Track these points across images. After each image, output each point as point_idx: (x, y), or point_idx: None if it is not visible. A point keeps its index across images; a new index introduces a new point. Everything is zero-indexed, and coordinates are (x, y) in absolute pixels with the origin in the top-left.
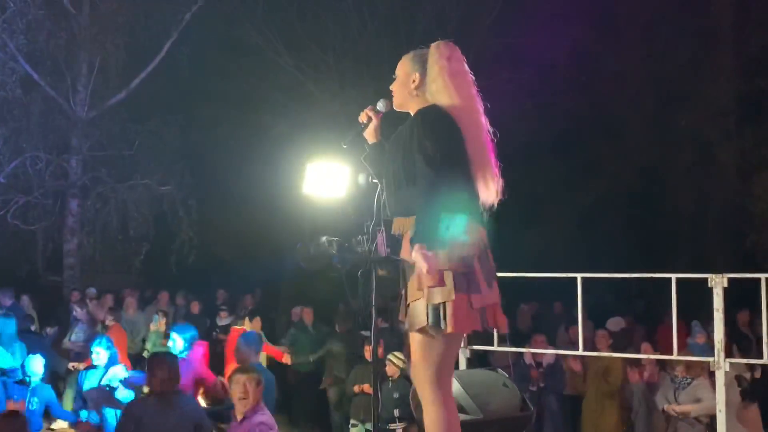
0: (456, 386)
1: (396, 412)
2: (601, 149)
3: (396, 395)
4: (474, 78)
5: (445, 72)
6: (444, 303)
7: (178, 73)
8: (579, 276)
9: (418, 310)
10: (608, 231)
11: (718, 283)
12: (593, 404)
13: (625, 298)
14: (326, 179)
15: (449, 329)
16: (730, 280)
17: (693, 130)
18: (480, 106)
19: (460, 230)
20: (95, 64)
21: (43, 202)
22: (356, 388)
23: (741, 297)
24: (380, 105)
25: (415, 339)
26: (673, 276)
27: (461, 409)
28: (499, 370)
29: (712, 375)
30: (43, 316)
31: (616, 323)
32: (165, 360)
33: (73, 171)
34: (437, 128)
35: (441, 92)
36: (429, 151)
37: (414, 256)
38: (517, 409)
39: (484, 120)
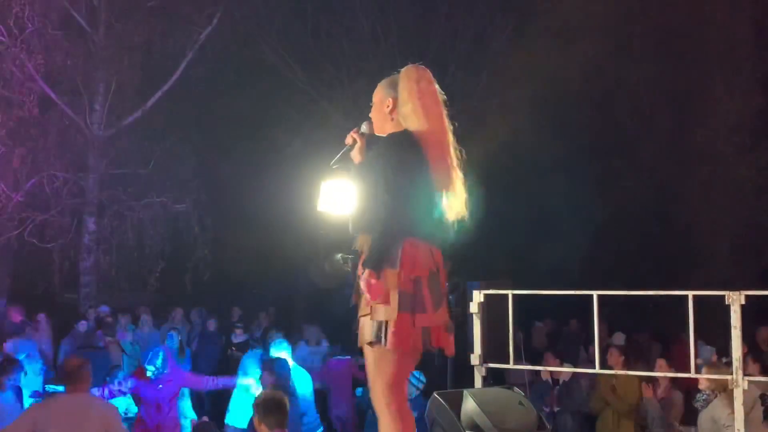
0: (472, 404)
1: None
2: (615, 165)
3: (414, 414)
4: (445, 98)
5: (414, 95)
6: (386, 321)
7: (193, 92)
8: (595, 293)
9: (365, 325)
10: (623, 247)
11: (735, 300)
12: (609, 423)
13: (639, 314)
14: (340, 197)
15: (388, 346)
16: (747, 297)
17: (709, 145)
18: (447, 126)
19: (411, 251)
20: (112, 83)
21: (60, 220)
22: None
23: (759, 314)
24: (364, 127)
25: (367, 353)
26: (690, 293)
27: (477, 428)
28: (515, 388)
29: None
30: (59, 333)
31: (618, 338)
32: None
33: (89, 189)
34: (400, 156)
35: (410, 116)
36: (390, 178)
37: (360, 281)
38: (534, 428)
39: (450, 140)
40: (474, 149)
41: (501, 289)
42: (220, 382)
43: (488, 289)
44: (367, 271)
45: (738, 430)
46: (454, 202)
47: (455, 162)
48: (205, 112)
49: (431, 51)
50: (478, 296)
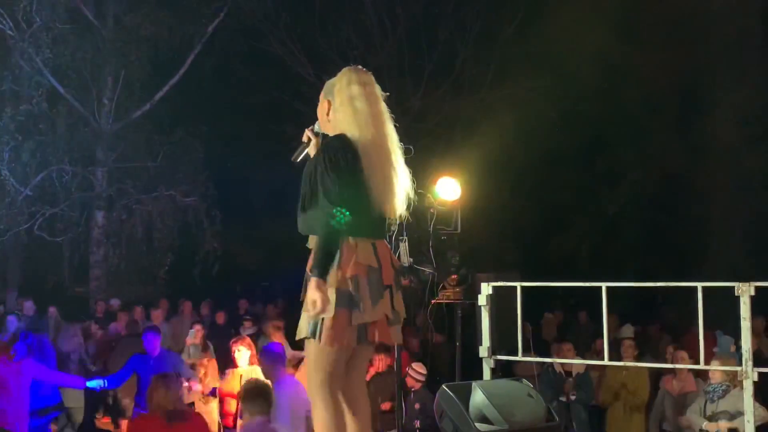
0: (481, 396)
1: (417, 423)
2: (625, 156)
3: (417, 406)
4: (383, 94)
5: (346, 99)
6: (322, 318)
7: (201, 85)
8: (604, 285)
9: (302, 321)
10: (633, 239)
11: (745, 291)
12: (620, 415)
13: (650, 306)
14: None
15: (322, 343)
16: (757, 288)
17: (718, 136)
18: (385, 128)
19: (348, 250)
20: (120, 76)
21: (70, 213)
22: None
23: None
24: (317, 126)
25: (307, 347)
26: (699, 284)
27: (486, 420)
28: (524, 380)
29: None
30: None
31: (627, 330)
32: None
33: (98, 183)
34: (337, 162)
35: (344, 120)
36: (329, 185)
37: (309, 289)
38: (543, 420)
39: (388, 141)
40: (483, 140)
41: (510, 281)
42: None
43: (497, 281)
44: (314, 280)
45: (748, 421)
46: (393, 199)
47: (396, 163)
48: (213, 105)
49: (439, 43)
50: (486, 288)
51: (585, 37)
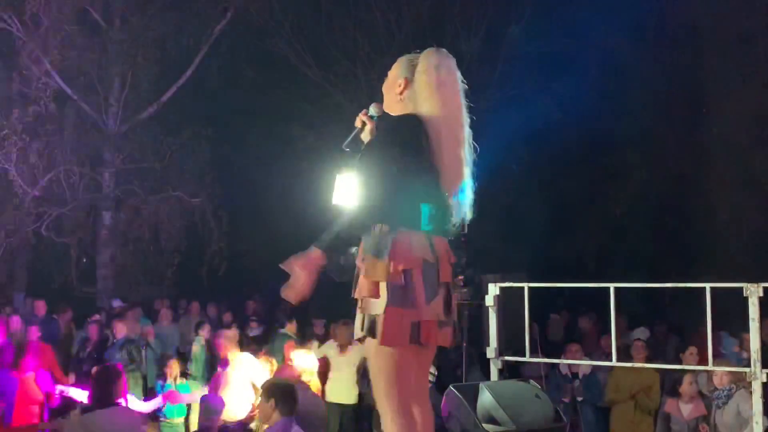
0: (488, 397)
1: None
2: (632, 157)
3: None
4: (466, 88)
5: (432, 82)
6: (377, 315)
7: (208, 86)
8: (612, 286)
9: (357, 320)
10: (640, 240)
11: (753, 292)
12: (629, 417)
13: (657, 308)
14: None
15: (379, 342)
16: (765, 289)
17: (726, 137)
18: (464, 120)
19: (401, 241)
20: (127, 78)
21: (77, 214)
22: None
23: None
24: (372, 110)
25: (368, 348)
26: (707, 285)
27: (493, 421)
28: (532, 381)
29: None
30: (76, 327)
31: (641, 333)
32: None
33: (105, 184)
34: (404, 139)
35: (424, 102)
36: (388, 162)
37: (301, 260)
38: (551, 420)
39: (464, 134)
40: (489, 140)
41: (517, 281)
42: None
43: (504, 281)
44: (315, 249)
45: (756, 422)
46: (461, 199)
47: (466, 158)
48: (219, 106)
49: (445, 44)
50: (494, 289)
51: (592, 37)
